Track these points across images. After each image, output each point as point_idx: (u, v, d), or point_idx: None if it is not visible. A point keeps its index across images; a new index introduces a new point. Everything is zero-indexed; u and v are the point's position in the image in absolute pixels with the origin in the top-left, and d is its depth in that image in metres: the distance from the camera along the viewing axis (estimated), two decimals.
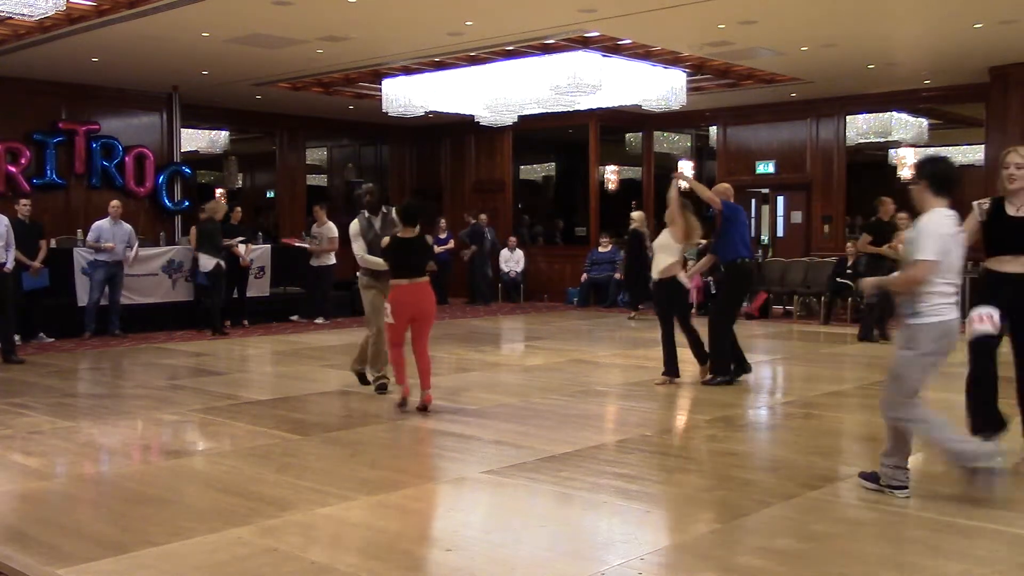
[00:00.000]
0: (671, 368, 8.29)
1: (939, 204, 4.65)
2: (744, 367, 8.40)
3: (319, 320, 13.70)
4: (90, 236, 12.07)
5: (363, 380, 8.12)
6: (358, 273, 8.01)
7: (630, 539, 4.26)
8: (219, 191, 19.07)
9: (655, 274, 8.28)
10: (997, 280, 5.25)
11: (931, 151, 17.63)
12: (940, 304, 4.55)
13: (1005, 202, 5.28)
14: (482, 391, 7.83)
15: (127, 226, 12.34)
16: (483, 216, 17.92)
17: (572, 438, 6.17)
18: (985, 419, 5.26)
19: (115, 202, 12.45)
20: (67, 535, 4.26)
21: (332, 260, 13.90)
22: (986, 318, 5.05)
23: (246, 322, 13.35)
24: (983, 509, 4.54)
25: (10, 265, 9.69)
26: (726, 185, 8.82)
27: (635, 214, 15.41)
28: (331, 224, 13.88)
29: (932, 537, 4.19)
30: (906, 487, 4.69)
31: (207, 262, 12.54)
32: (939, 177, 4.68)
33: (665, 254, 8.21)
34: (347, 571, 3.76)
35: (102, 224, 12.08)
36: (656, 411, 7.36)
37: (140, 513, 4.61)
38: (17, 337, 10.38)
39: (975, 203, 5.44)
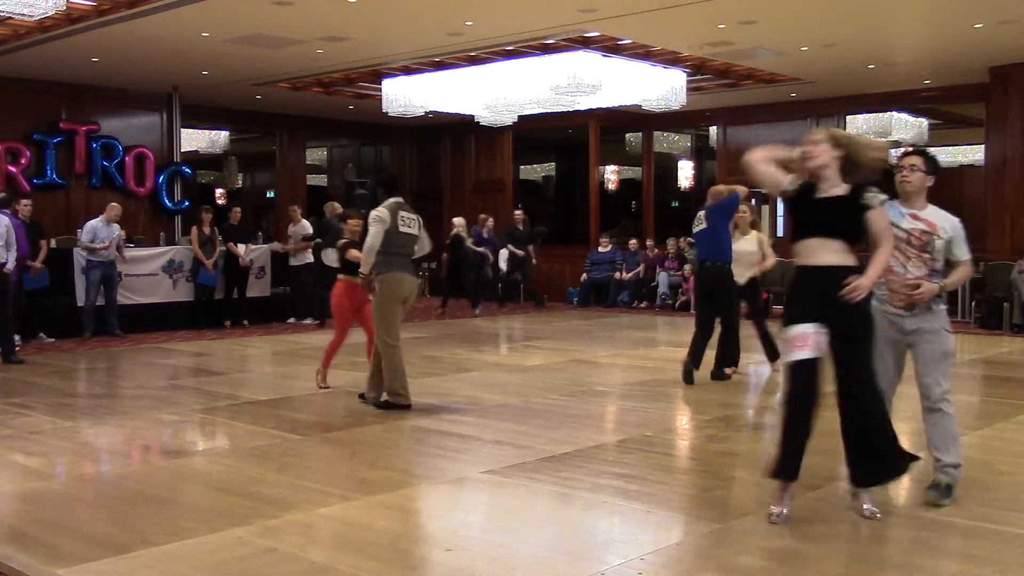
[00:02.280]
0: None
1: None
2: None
3: (307, 321, 13.52)
4: (85, 236, 12.03)
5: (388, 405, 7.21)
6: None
7: (630, 539, 4.26)
8: (219, 191, 19.12)
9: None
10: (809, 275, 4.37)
11: (931, 150, 17.66)
12: None
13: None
14: (482, 391, 7.82)
15: (116, 226, 12.28)
16: (482, 216, 17.91)
17: (572, 438, 6.17)
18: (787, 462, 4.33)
19: (116, 205, 12.39)
20: (67, 535, 4.26)
21: (309, 259, 13.58)
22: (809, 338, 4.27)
23: (246, 322, 13.34)
24: (983, 509, 4.54)
25: (11, 265, 9.69)
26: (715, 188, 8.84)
27: (456, 220, 16.23)
28: (305, 223, 13.81)
29: (932, 537, 4.18)
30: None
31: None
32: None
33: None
34: (347, 571, 3.76)
35: (96, 224, 12.06)
36: (656, 411, 7.36)
37: (140, 513, 4.60)
38: (17, 337, 10.37)
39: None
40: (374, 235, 6.97)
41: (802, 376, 4.26)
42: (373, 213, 7.09)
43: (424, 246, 7.45)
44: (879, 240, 4.29)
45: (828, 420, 7.01)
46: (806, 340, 4.22)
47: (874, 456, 4.34)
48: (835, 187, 4.33)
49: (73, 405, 7.72)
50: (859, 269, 4.24)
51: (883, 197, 4.34)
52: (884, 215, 4.33)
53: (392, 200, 7.15)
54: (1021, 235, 13.31)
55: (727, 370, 8.42)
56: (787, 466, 4.32)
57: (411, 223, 7.20)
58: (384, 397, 7.15)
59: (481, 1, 10.10)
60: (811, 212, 4.33)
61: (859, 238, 4.32)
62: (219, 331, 12.78)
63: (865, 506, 4.39)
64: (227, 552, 3.98)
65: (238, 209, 13.90)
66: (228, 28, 11.06)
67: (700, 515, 4.58)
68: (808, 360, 4.23)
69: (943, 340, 4.59)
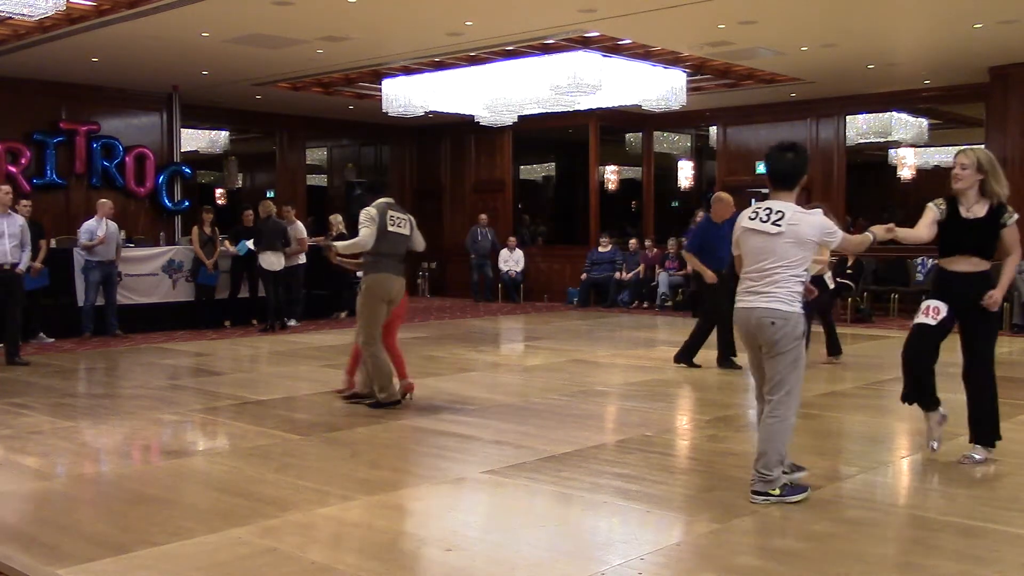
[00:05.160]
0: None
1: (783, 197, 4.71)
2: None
3: (291, 323, 13.33)
4: (83, 237, 12.03)
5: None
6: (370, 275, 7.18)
7: (630, 539, 4.26)
8: (219, 191, 19.10)
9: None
10: (947, 277, 5.44)
11: (931, 150, 17.73)
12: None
13: (958, 204, 5.33)
14: (482, 391, 7.82)
15: (113, 224, 12.27)
16: (483, 216, 17.95)
17: (572, 438, 6.17)
18: (915, 390, 5.46)
19: (106, 201, 12.32)
20: (67, 535, 4.26)
21: (302, 260, 13.52)
22: (931, 311, 5.35)
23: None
24: (983, 509, 4.54)
25: (23, 266, 9.69)
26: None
27: (333, 217, 15.38)
28: (299, 224, 13.75)
29: (932, 537, 4.19)
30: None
31: (275, 260, 12.79)
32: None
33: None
34: (347, 571, 3.76)
35: (92, 224, 12.03)
36: (656, 411, 7.36)
37: (140, 513, 4.60)
38: None
39: (931, 203, 5.43)
40: (366, 235, 6.97)
41: (920, 332, 5.37)
42: (363, 212, 7.07)
43: (417, 244, 7.41)
44: (1011, 252, 5.35)
45: (828, 420, 7.03)
46: (936, 311, 5.32)
47: (981, 422, 5.42)
48: (976, 206, 5.26)
49: (73, 405, 7.72)
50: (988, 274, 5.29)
51: (1016, 216, 5.29)
52: (1014, 232, 5.28)
53: (381, 200, 7.14)
54: (1021, 235, 13.30)
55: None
56: (911, 393, 5.43)
57: (401, 223, 7.14)
58: (377, 397, 7.13)
59: (481, 1, 10.10)
60: (954, 231, 5.29)
61: (994, 252, 5.29)
62: (219, 331, 12.78)
63: (969, 454, 5.42)
64: (227, 552, 3.98)
65: (250, 212, 13.80)
66: (228, 28, 11.06)
67: (700, 515, 4.58)
68: (927, 324, 5.34)
69: None
